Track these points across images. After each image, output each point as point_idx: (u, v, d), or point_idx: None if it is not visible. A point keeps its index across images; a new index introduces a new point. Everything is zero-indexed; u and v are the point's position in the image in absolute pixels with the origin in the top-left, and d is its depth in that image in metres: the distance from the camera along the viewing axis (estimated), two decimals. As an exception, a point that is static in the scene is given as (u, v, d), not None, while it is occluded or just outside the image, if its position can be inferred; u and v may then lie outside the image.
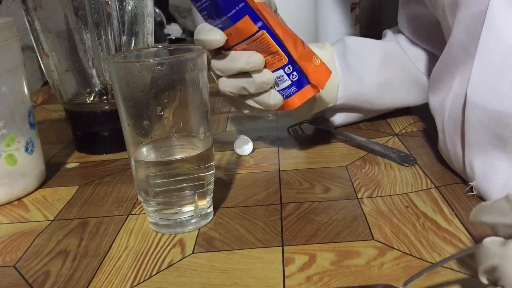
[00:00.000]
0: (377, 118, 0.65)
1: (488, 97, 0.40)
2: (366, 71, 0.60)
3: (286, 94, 0.50)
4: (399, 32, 0.66)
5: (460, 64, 0.43)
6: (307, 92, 0.49)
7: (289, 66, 0.48)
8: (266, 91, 0.50)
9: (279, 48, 0.47)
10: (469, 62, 0.41)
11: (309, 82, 0.49)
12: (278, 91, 0.50)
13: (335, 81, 0.58)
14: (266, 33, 0.47)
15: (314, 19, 0.88)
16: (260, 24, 0.46)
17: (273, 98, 0.49)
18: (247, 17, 0.46)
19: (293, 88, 0.49)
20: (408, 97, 0.63)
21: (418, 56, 0.63)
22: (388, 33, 0.66)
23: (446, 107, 0.45)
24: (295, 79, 0.49)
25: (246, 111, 0.53)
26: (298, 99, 0.49)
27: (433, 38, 0.60)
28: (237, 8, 0.46)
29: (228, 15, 0.46)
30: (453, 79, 0.44)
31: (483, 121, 0.40)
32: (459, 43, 0.43)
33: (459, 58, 0.43)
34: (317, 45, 0.60)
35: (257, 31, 0.47)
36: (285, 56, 0.48)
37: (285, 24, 0.50)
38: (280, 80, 0.49)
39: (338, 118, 0.63)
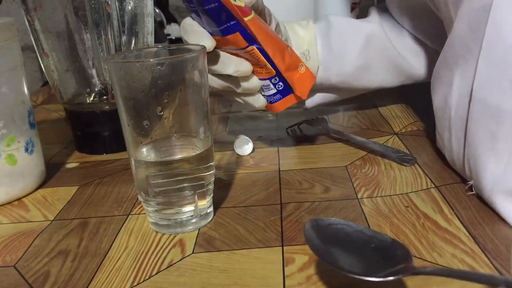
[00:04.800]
0: (376, 117, 0.65)
1: (491, 92, 0.40)
2: (347, 53, 0.61)
3: (270, 100, 0.52)
4: (385, 10, 0.65)
5: (460, 60, 0.43)
6: (290, 100, 0.52)
7: (276, 77, 0.50)
8: (252, 94, 0.52)
9: (267, 63, 0.49)
10: (469, 58, 0.41)
11: (293, 91, 0.51)
12: (263, 95, 0.52)
13: (315, 62, 0.59)
14: (256, 50, 0.48)
15: (313, 19, 0.88)
16: (250, 41, 0.47)
17: (257, 101, 0.53)
18: (238, 33, 0.46)
19: (278, 95, 0.52)
20: (385, 79, 0.64)
21: (400, 40, 0.63)
22: (373, 13, 0.65)
23: (452, 105, 0.45)
24: (281, 88, 0.51)
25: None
26: (281, 105, 0.52)
27: (420, 22, 0.61)
28: (228, 24, 0.46)
29: (219, 28, 0.46)
30: (453, 75, 0.44)
31: (484, 117, 0.40)
32: (460, 39, 0.43)
33: (460, 54, 0.43)
34: (301, 24, 0.60)
35: (247, 46, 0.47)
36: (273, 70, 0.49)
37: (271, 29, 0.50)
38: (266, 88, 0.51)
39: (317, 98, 0.64)
